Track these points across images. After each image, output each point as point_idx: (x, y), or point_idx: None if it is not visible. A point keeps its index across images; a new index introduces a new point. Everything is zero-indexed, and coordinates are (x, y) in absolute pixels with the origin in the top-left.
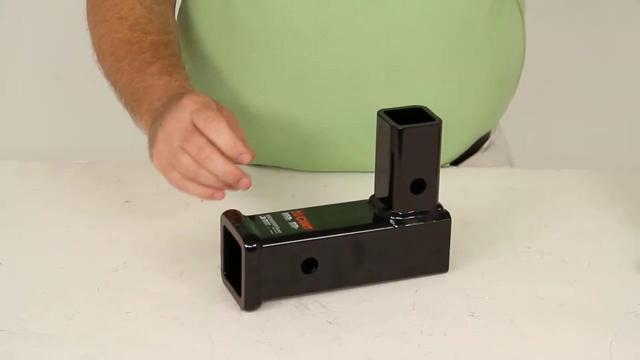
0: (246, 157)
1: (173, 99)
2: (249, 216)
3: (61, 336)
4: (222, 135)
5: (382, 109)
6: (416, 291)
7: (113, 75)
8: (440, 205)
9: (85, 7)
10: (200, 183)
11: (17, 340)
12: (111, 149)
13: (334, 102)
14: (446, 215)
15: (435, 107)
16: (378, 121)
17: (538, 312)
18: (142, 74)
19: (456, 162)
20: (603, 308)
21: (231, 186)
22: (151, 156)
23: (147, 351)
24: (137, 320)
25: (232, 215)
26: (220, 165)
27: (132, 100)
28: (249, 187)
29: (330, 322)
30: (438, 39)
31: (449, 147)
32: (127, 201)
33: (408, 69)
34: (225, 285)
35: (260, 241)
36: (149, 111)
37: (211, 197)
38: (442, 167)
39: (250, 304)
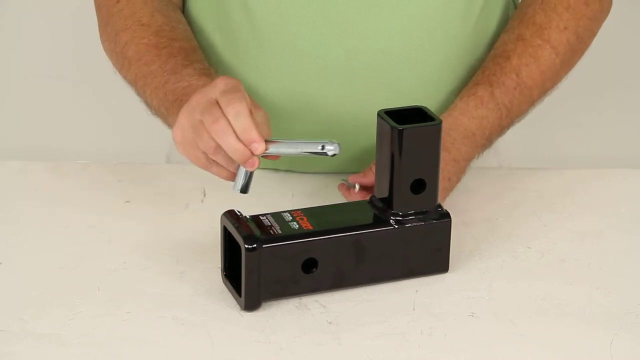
0: (257, 147)
1: None
2: (249, 216)
3: (61, 336)
4: (241, 119)
5: (382, 109)
6: (416, 291)
7: (142, 79)
8: (440, 205)
9: (98, 20)
10: (220, 163)
11: (17, 340)
12: (111, 149)
13: (331, 106)
14: (446, 215)
15: (432, 106)
16: (378, 121)
17: (538, 312)
18: (178, 75)
19: None
20: (603, 308)
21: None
22: (173, 132)
23: (147, 351)
24: (137, 320)
25: (232, 215)
26: (232, 142)
27: (168, 101)
28: (255, 168)
29: (330, 322)
30: (436, 38)
31: None
32: (127, 201)
33: (404, 69)
34: (225, 285)
35: (260, 241)
36: None
37: (232, 179)
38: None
39: (250, 304)
